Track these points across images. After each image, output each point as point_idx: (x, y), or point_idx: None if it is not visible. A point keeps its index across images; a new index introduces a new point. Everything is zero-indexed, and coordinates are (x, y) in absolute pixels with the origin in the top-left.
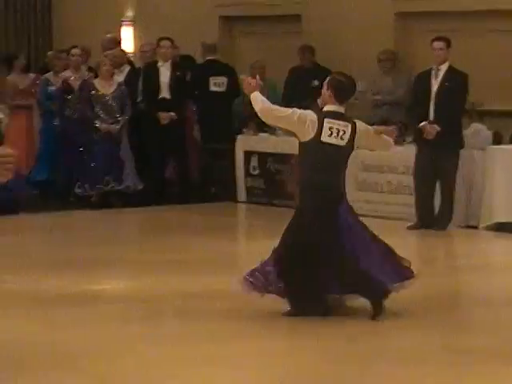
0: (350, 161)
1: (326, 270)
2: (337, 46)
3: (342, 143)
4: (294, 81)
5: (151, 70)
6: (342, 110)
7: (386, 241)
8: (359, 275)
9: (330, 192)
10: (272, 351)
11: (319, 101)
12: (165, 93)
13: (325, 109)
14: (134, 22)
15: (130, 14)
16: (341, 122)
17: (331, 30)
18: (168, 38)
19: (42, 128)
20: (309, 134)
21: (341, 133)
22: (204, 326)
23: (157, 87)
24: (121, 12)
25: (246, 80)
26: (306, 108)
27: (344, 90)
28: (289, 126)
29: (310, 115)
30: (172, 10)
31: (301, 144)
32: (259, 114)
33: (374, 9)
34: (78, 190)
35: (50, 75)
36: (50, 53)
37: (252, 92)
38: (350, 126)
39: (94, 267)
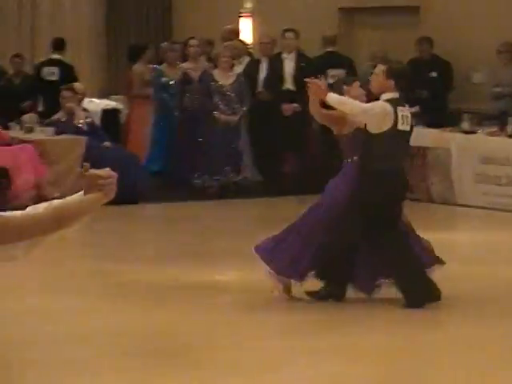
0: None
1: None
2: (455, 37)
3: (408, 128)
4: (412, 72)
5: (276, 61)
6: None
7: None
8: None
9: (403, 178)
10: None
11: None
12: (289, 84)
13: (386, 97)
14: (253, 14)
15: (248, 5)
16: (404, 108)
17: (449, 22)
18: (293, 30)
19: (155, 118)
20: (386, 125)
21: (407, 119)
22: (313, 316)
23: (281, 78)
24: (240, 4)
25: (316, 84)
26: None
27: (405, 77)
28: (373, 117)
29: (387, 105)
30: (291, 2)
31: (374, 135)
32: (352, 112)
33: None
34: (196, 181)
35: (163, 66)
36: (163, 44)
37: (324, 95)
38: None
39: (215, 257)
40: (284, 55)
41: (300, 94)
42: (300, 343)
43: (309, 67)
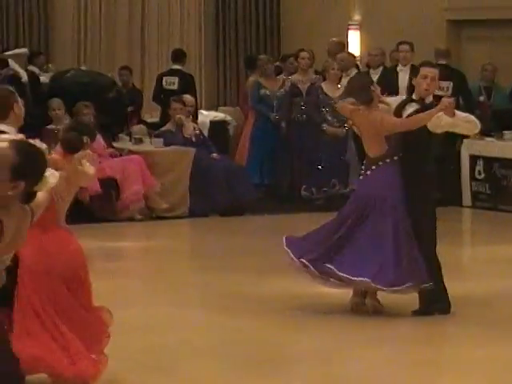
0: None
1: None
2: None
3: None
4: None
5: (390, 74)
6: None
7: None
8: None
9: None
10: None
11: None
12: (402, 94)
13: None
14: (361, 27)
15: (357, 17)
16: None
17: None
18: (408, 42)
19: (254, 131)
20: None
21: None
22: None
23: (395, 91)
24: (348, 16)
25: (451, 103)
26: None
27: None
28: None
29: None
30: (398, 14)
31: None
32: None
33: None
34: (304, 193)
35: (262, 79)
36: (261, 56)
37: (452, 114)
38: None
39: None
40: (399, 67)
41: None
42: (399, 352)
43: None
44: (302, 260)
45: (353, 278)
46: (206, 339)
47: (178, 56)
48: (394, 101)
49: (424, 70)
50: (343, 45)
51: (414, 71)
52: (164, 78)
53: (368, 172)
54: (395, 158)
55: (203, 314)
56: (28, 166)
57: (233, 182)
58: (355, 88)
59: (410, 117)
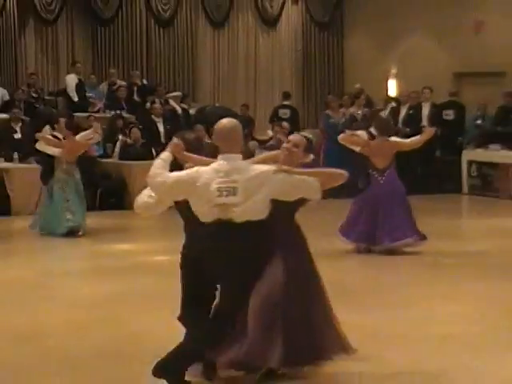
0: None
1: None
2: None
3: None
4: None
5: (417, 108)
6: None
7: None
8: None
9: None
10: None
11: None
12: (424, 122)
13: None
14: (397, 76)
15: (394, 71)
16: None
17: None
18: (429, 87)
19: (325, 146)
20: None
21: None
22: None
23: (419, 119)
24: (388, 69)
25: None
26: None
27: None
28: None
29: None
30: (421, 67)
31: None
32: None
33: None
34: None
35: (329, 111)
36: (330, 96)
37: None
38: None
39: None
40: (423, 103)
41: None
42: None
43: (437, 112)
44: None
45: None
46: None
47: (287, 96)
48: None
49: None
50: (362, 90)
51: (432, 106)
52: (279, 110)
53: (383, 176)
54: (394, 166)
55: None
56: None
57: None
58: (384, 123)
59: (413, 139)
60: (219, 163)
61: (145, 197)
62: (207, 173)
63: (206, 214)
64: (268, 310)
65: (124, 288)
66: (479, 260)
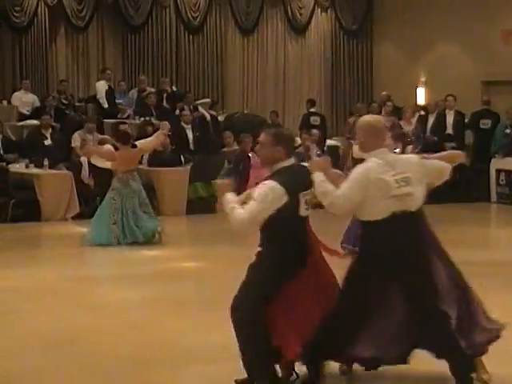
0: None
1: None
2: None
3: None
4: None
5: (442, 116)
6: None
7: None
8: None
9: None
10: None
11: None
12: (449, 130)
13: None
14: (425, 84)
15: (422, 79)
16: None
17: None
18: (452, 95)
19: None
20: None
21: None
22: None
23: (444, 126)
24: (417, 78)
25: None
26: None
27: None
28: None
29: None
30: (450, 76)
31: None
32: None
33: None
34: None
35: (357, 119)
36: (358, 104)
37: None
38: None
39: None
40: (447, 111)
41: (457, 137)
42: None
43: (462, 119)
44: None
45: None
46: None
47: (313, 103)
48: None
49: None
50: (389, 96)
51: (457, 113)
52: (311, 117)
53: None
54: None
55: None
56: None
57: None
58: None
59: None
60: (377, 159)
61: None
62: (373, 169)
63: (381, 209)
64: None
65: (154, 294)
66: (507, 270)
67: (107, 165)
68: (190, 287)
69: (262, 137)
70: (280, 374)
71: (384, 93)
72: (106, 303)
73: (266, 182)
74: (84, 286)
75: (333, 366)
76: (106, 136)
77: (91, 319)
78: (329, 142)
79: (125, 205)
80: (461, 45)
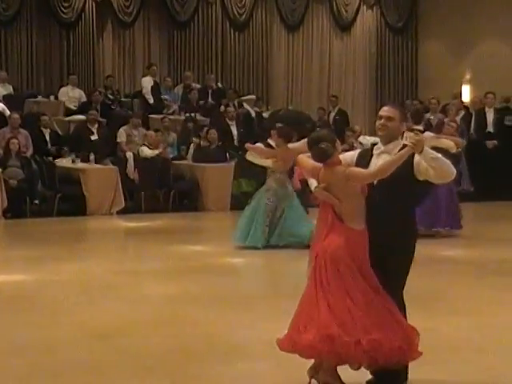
0: None
1: None
2: None
3: None
4: None
5: (480, 113)
6: None
7: None
8: None
9: None
10: None
11: None
12: (490, 128)
13: None
14: (470, 82)
15: (467, 77)
16: None
17: None
18: (492, 92)
19: None
20: None
21: None
22: None
23: (485, 124)
24: (462, 76)
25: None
26: None
27: None
28: None
29: None
30: (497, 72)
31: None
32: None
33: None
34: None
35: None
36: (407, 101)
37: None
38: None
39: None
40: (486, 109)
41: (497, 134)
42: None
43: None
44: None
45: None
46: None
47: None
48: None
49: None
50: (457, 94)
51: (496, 111)
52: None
53: None
54: None
55: None
56: None
57: None
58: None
59: None
60: None
61: None
62: None
63: None
64: None
65: (198, 289)
66: None
67: (265, 162)
68: (233, 282)
69: (391, 110)
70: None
71: (435, 98)
72: (150, 297)
73: None
74: (128, 279)
75: None
76: None
77: (136, 313)
78: (373, 138)
79: (280, 205)
80: (507, 42)
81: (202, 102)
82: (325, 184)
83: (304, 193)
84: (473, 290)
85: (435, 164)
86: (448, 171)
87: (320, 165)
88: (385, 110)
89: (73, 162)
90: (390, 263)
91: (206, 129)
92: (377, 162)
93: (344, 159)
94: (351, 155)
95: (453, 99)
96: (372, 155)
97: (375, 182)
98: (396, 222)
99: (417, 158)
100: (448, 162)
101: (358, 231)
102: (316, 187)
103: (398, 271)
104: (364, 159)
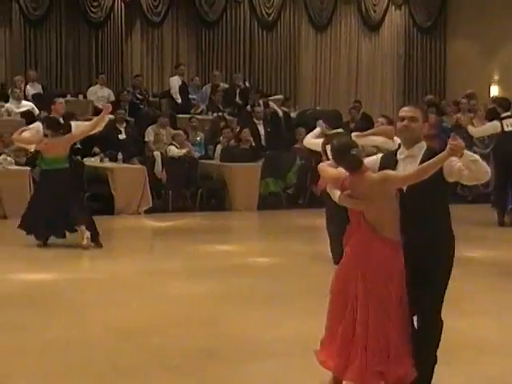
0: None
1: None
2: None
3: None
4: None
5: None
6: None
7: None
8: None
9: None
10: None
11: None
12: None
13: None
14: (499, 82)
15: (496, 77)
16: None
17: None
18: None
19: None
20: None
21: None
22: None
23: None
24: (491, 76)
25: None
26: None
27: None
28: None
29: None
30: None
31: None
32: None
33: None
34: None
35: (444, 117)
36: (443, 102)
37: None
38: None
39: None
40: None
41: None
42: None
43: None
44: None
45: None
46: None
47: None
48: None
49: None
50: (474, 94)
51: None
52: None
53: None
54: None
55: None
56: None
57: None
58: None
59: None
60: None
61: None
62: None
63: None
64: None
65: (223, 288)
66: None
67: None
68: (260, 282)
69: (414, 110)
70: None
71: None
72: (176, 296)
73: None
74: (155, 279)
75: None
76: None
77: (162, 312)
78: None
79: None
80: None
81: (228, 102)
82: (350, 191)
83: None
84: (496, 291)
85: (475, 166)
86: (484, 172)
87: (343, 173)
88: (407, 111)
89: (101, 161)
90: (429, 263)
91: (238, 128)
92: (405, 167)
93: (368, 165)
94: (374, 160)
95: (468, 99)
96: (397, 161)
97: (405, 188)
98: (429, 222)
99: (447, 160)
100: (484, 163)
101: (393, 241)
102: (341, 195)
103: (438, 273)
104: (389, 164)
